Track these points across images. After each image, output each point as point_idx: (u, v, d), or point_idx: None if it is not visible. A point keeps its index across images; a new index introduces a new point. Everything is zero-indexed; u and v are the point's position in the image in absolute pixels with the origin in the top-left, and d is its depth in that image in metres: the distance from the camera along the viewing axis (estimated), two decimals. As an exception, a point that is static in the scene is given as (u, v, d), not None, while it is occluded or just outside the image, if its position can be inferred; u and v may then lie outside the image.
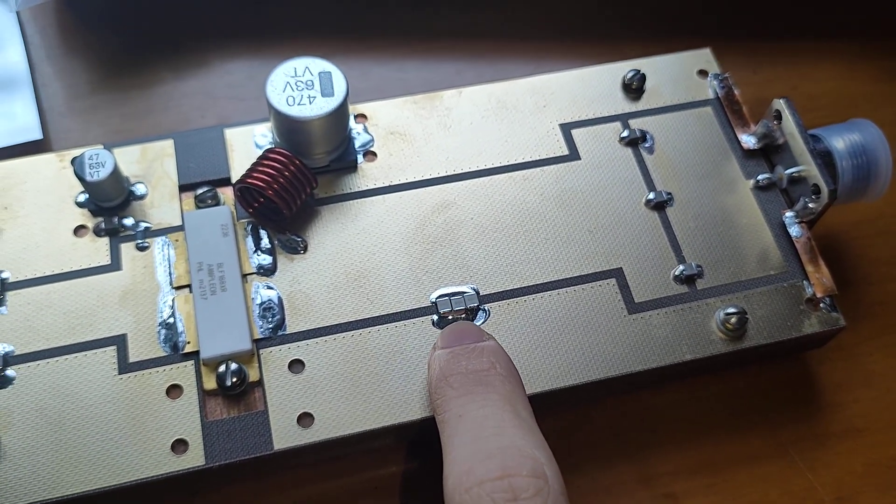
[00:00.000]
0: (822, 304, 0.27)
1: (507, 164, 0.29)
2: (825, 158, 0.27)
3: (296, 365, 0.25)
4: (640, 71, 0.30)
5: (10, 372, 0.24)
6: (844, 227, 0.31)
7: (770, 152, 0.29)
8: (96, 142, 0.31)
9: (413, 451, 0.27)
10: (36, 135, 0.31)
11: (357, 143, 0.28)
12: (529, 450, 0.21)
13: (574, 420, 0.27)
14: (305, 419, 0.24)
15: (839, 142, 0.28)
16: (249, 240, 0.27)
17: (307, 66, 0.27)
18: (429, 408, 0.24)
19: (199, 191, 0.27)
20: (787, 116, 0.28)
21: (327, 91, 0.26)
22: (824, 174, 0.27)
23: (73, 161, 0.27)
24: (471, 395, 0.22)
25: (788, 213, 0.28)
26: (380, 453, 0.26)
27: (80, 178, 0.26)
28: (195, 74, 0.34)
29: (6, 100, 0.32)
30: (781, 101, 0.28)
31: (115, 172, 0.26)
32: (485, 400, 0.22)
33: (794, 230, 0.27)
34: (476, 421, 0.21)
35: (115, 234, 0.27)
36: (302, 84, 0.26)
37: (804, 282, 0.27)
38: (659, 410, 0.28)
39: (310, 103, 0.26)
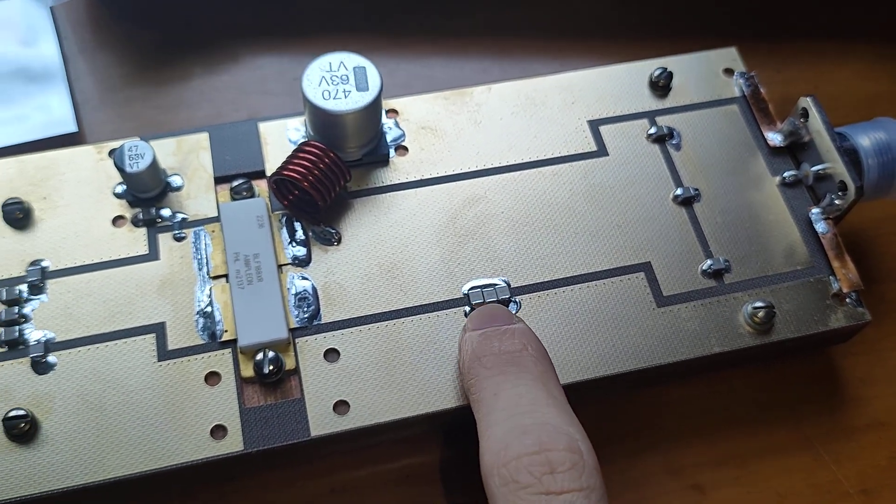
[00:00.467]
0: (847, 300, 0.27)
1: (536, 159, 0.29)
2: (851, 156, 0.28)
3: (331, 354, 0.25)
4: (666, 69, 0.30)
5: (51, 358, 0.25)
6: (869, 224, 0.32)
7: (796, 150, 0.29)
8: (129, 135, 0.32)
9: (446, 440, 0.27)
10: (71, 127, 0.31)
11: (389, 138, 0.29)
12: (565, 426, 0.21)
13: (602, 411, 0.27)
14: (341, 407, 0.25)
15: (865, 139, 0.28)
16: (284, 231, 0.27)
17: (342, 61, 0.27)
18: (461, 389, 0.25)
19: (235, 183, 0.28)
20: (815, 114, 0.28)
21: (362, 85, 0.27)
22: (851, 171, 0.27)
23: (111, 152, 0.28)
24: (504, 374, 0.23)
25: (814, 210, 0.28)
26: (413, 441, 0.27)
27: (120, 169, 0.26)
28: (226, 69, 0.34)
29: (41, 93, 0.32)
30: (808, 99, 0.28)
31: (154, 164, 0.27)
32: (518, 379, 0.22)
33: (821, 226, 0.28)
34: (511, 399, 0.22)
35: (153, 225, 0.27)
36: (337, 78, 0.27)
37: (830, 277, 0.27)
38: (686, 402, 0.28)
39: (345, 97, 0.27)
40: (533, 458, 0.20)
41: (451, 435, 0.27)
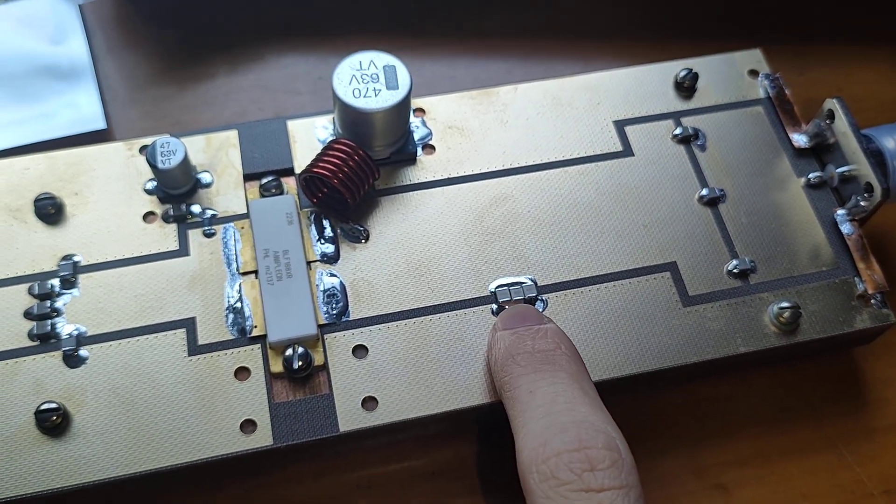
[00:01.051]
0: (873, 301, 0.27)
1: (562, 159, 0.29)
2: (877, 158, 0.28)
3: (359, 350, 0.26)
4: (692, 70, 0.31)
5: (83, 352, 0.25)
6: (893, 226, 0.32)
7: (821, 151, 0.30)
8: (158, 131, 0.32)
9: (472, 437, 0.27)
10: (100, 124, 0.32)
11: (416, 136, 0.29)
12: (602, 425, 0.21)
13: (627, 410, 0.27)
14: (369, 403, 0.25)
15: (890, 142, 0.28)
16: (313, 228, 0.27)
17: (372, 60, 0.27)
18: (489, 387, 0.25)
19: (264, 180, 0.28)
20: (841, 116, 0.28)
21: (392, 84, 0.27)
22: (877, 173, 0.27)
23: (142, 149, 0.28)
24: (539, 372, 0.23)
25: (840, 211, 0.28)
26: (440, 437, 0.27)
27: (152, 166, 0.27)
28: (252, 68, 0.34)
29: (71, 90, 0.32)
30: (834, 100, 0.28)
31: (185, 160, 0.27)
32: (553, 377, 0.23)
33: (846, 227, 0.28)
34: (547, 397, 0.22)
35: (183, 221, 0.27)
36: (367, 77, 0.27)
37: (855, 278, 0.27)
38: (711, 402, 0.28)
39: (375, 96, 0.27)
40: (573, 454, 0.21)
41: (482, 431, 0.27)
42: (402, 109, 0.27)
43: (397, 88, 0.27)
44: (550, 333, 0.24)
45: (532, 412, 0.22)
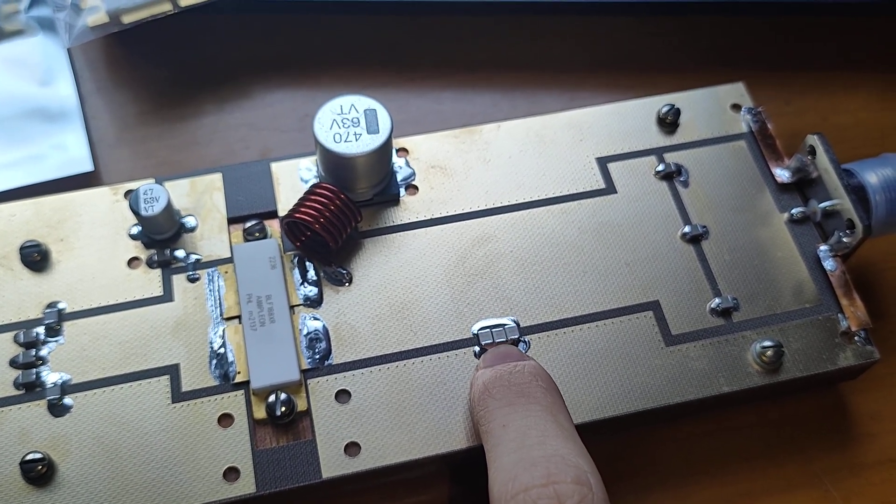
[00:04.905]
0: (856, 338, 0.27)
1: (545, 197, 0.29)
2: (859, 193, 0.28)
3: (342, 395, 0.26)
4: (674, 105, 0.31)
5: (67, 400, 0.25)
6: (878, 258, 0.32)
7: (804, 186, 0.30)
8: (145, 172, 0.33)
9: (456, 479, 0.27)
10: (87, 166, 0.32)
11: (399, 177, 0.29)
12: (573, 458, 0.21)
13: (612, 449, 0.28)
14: (352, 448, 0.25)
15: (872, 176, 0.28)
16: (296, 272, 0.27)
17: (353, 104, 0.28)
18: (471, 429, 0.25)
19: (248, 224, 0.28)
20: (821, 152, 0.28)
21: (373, 128, 0.27)
22: (859, 210, 0.27)
23: (127, 194, 0.28)
24: (513, 405, 0.23)
25: (823, 247, 0.28)
26: (423, 480, 0.27)
27: (135, 213, 0.27)
28: (239, 106, 0.35)
29: (58, 132, 0.33)
30: (815, 136, 0.28)
31: (169, 206, 0.27)
32: (527, 410, 0.23)
33: (829, 264, 0.28)
34: (520, 430, 0.22)
35: (167, 266, 0.28)
36: (348, 121, 0.27)
37: (839, 315, 0.27)
38: (696, 441, 0.28)
39: (356, 140, 0.27)
40: (541, 490, 0.20)
41: (459, 472, 0.27)
42: (383, 153, 0.27)
43: (378, 132, 0.27)
44: (528, 368, 0.24)
45: (504, 446, 0.22)
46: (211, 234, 0.28)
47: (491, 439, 0.23)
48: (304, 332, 0.27)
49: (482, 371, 0.24)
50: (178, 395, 0.25)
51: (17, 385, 0.26)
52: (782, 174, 0.30)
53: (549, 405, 0.23)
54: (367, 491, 0.27)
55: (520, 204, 0.29)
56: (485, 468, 0.23)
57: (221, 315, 0.27)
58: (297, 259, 0.28)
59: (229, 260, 0.28)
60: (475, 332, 0.27)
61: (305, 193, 0.27)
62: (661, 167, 0.30)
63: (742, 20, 0.37)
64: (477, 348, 0.26)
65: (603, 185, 0.30)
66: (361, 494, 0.27)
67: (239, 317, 0.27)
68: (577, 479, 0.21)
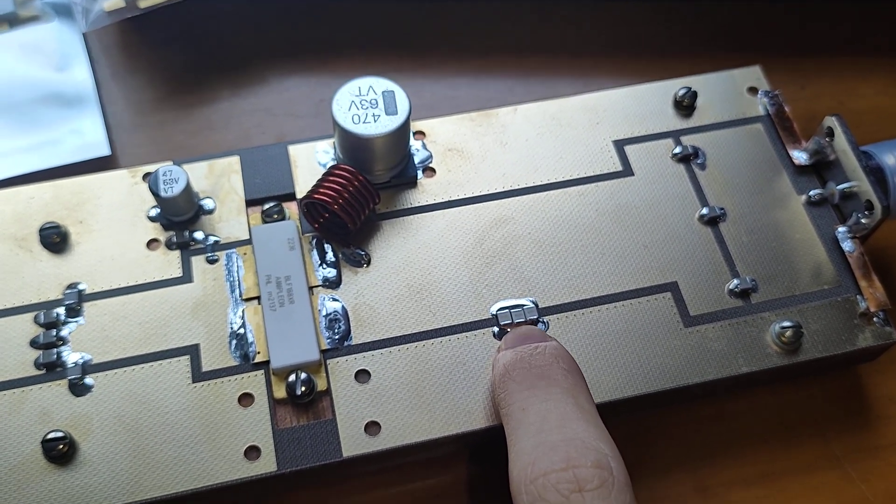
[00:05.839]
0: (875, 319, 0.27)
1: (562, 179, 0.29)
2: (877, 175, 0.28)
3: (362, 375, 0.26)
4: (691, 88, 0.31)
5: (88, 380, 0.25)
6: (895, 242, 0.32)
7: (821, 168, 0.30)
8: (162, 157, 0.33)
9: (474, 459, 0.27)
10: (104, 151, 0.32)
11: (416, 160, 0.29)
12: (593, 441, 0.21)
13: (631, 430, 0.28)
14: (372, 427, 0.25)
15: (891, 158, 0.28)
16: (315, 253, 0.28)
17: (371, 86, 0.28)
18: (491, 409, 0.25)
19: (266, 206, 0.28)
20: (840, 133, 0.28)
21: (391, 109, 0.27)
22: (877, 191, 0.27)
23: (145, 176, 0.29)
24: (533, 388, 0.23)
25: (841, 229, 0.28)
26: (442, 461, 0.27)
27: (155, 194, 0.27)
28: (254, 92, 0.35)
29: (75, 117, 0.33)
30: (833, 118, 0.28)
31: (188, 188, 0.27)
32: (547, 393, 0.23)
33: (847, 245, 0.28)
34: (539, 414, 0.22)
35: (186, 248, 0.28)
36: (366, 103, 0.27)
37: (857, 296, 0.27)
38: (714, 421, 0.28)
39: (374, 121, 0.27)
40: (560, 475, 0.20)
41: (478, 453, 0.27)
42: (401, 134, 0.27)
43: (396, 114, 0.27)
44: (549, 349, 0.24)
45: (523, 430, 0.22)
46: (229, 216, 0.28)
47: (511, 422, 0.23)
48: (324, 312, 0.27)
49: (503, 353, 0.24)
50: (198, 375, 0.26)
51: (38, 365, 0.26)
52: (800, 156, 0.30)
53: (570, 387, 0.23)
54: (386, 471, 0.27)
55: (537, 186, 0.29)
56: (504, 448, 0.23)
57: (241, 296, 0.27)
58: (315, 241, 0.28)
59: (248, 241, 0.28)
60: (494, 312, 0.27)
61: (324, 175, 0.27)
62: (678, 150, 0.30)
63: (757, 4, 0.37)
64: (496, 329, 0.26)
65: (620, 168, 0.30)
66: (380, 474, 0.27)
67: (258, 297, 0.27)
68: (597, 463, 0.21)
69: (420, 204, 0.29)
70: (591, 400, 0.23)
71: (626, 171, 0.30)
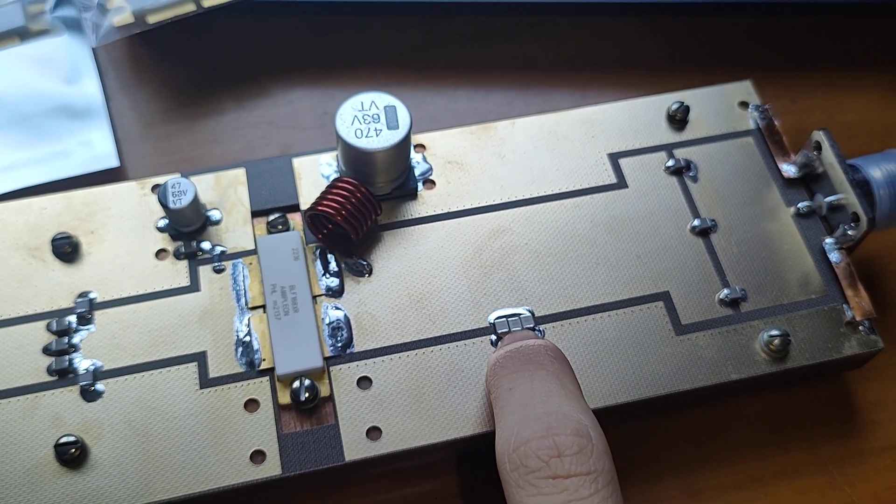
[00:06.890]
0: (861, 327, 0.28)
1: (558, 191, 0.30)
2: (863, 188, 0.29)
3: (364, 381, 0.27)
4: (683, 103, 0.32)
5: (99, 386, 0.26)
6: (881, 251, 0.33)
7: (810, 181, 0.30)
8: (169, 168, 0.33)
9: (472, 464, 0.28)
10: (113, 162, 0.33)
11: (417, 172, 0.30)
12: (574, 414, 0.22)
13: (623, 436, 0.28)
14: (374, 432, 0.26)
15: (876, 171, 0.29)
16: (318, 263, 0.28)
17: (373, 101, 0.28)
18: (487, 413, 0.26)
19: (271, 217, 0.29)
20: (827, 147, 0.29)
21: (392, 124, 0.28)
22: (863, 203, 0.28)
23: (154, 188, 0.29)
24: (520, 371, 0.24)
25: (828, 240, 0.29)
26: (441, 465, 0.28)
27: (164, 206, 0.28)
28: (259, 104, 0.36)
29: (84, 129, 0.34)
30: (821, 132, 0.29)
31: (196, 200, 0.28)
32: (534, 375, 0.24)
33: (834, 256, 0.29)
34: (525, 392, 0.23)
35: (194, 258, 0.28)
36: (369, 117, 0.28)
37: (844, 305, 0.28)
38: (704, 427, 0.29)
39: (376, 135, 0.28)
40: (541, 441, 0.21)
41: (477, 458, 0.28)
42: (402, 148, 0.28)
43: (398, 128, 0.28)
44: (539, 343, 0.25)
45: (509, 407, 0.23)
46: (235, 227, 0.29)
47: (499, 402, 0.24)
48: (327, 321, 0.27)
49: (497, 352, 0.25)
50: (205, 382, 0.26)
51: (50, 371, 0.26)
52: (789, 169, 0.31)
53: (556, 370, 0.24)
54: (384, 476, 0.28)
55: (534, 198, 0.30)
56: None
57: (246, 304, 0.28)
58: (319, 251, 0.29)
59: (253, 252, 0.29)
60: (491, 321, 0.28)
61: (327, 187, 0.28)
62: (670, 163, 0.31)
63: (748, 21, 0.38)
64: (493, 337, 0.27)
65: (615, 180, 0.30)
66: (378, 480, 0.28)
67: (263, 306, 0.28)
68: (576, 432, 0.22)
69: (420, 215, 0.30)
70: (576, 383, 0.24)
71: (621, 183, 0.30)
